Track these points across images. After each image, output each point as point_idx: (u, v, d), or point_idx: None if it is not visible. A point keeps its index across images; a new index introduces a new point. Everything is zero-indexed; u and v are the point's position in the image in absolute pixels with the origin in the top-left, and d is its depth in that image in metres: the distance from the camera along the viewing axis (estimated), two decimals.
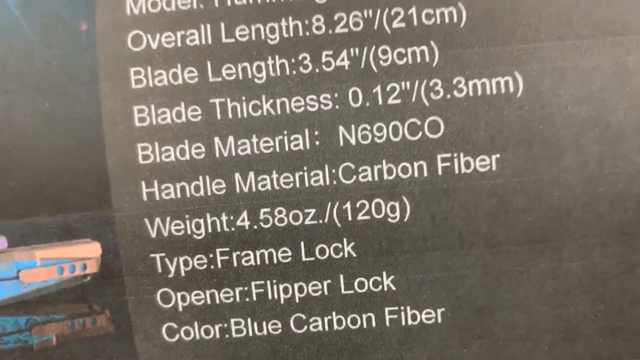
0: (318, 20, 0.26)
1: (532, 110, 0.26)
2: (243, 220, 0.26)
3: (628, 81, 0.26)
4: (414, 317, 0.27)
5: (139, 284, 0.27)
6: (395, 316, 0.27)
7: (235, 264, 0.26)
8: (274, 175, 0.26)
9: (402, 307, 0.27)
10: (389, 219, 0.26)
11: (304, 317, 0.27)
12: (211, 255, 0.26)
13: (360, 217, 0.26)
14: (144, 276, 0.27)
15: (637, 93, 0.26)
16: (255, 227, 0.26)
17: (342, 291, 0.27)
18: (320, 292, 0.27)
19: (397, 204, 0.26)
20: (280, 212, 0.26)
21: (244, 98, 0.26)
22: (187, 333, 0.27)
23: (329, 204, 0.26)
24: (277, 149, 0.26)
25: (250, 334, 0.27)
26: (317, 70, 0.26)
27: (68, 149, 0.26)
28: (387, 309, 0.27)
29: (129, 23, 0.26)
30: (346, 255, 0.26)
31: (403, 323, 0.27)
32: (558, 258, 0.26)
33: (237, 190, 0.26)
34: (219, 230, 0.26)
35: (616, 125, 0.26)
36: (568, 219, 0.26)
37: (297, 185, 0.26)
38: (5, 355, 0.27)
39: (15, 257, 0.26)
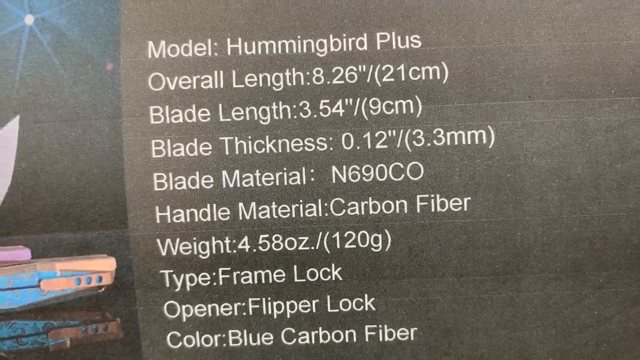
0: (318, 72, 0.27)
1: (501, 161, 0.27)
2: (244, 244, 0.28)
3: (588, 138, 0.27)
4: (390, 335, 0.28)
5: (148, 296, 0.28)
6: (373, 333, 0.28)
7: (235, 282, 0.28)
8: (273, 206, 0.28)
9: (380, 326, 0.28)
10: (372, 249, 0.28)
11: (293, 330, 0.28)
12: (214, 274, 0.28)
13: (347, 245, 0.28)
14: (153, 289, 0.28)
15: (595, 149, 0.27)
16: (255, 250, 0.28)
17: (329, 309, 0.28)
18: (309, 309, 0.28)
19: (380, 236, 0.28)
20: (277, 238, 0.28)
21: (249, 137, 0.27)
22: (189, 341, 0.28)
23: (320, 233, 0.28)
24: (277, 183, 0.27)
25: (246, 344, 0.28)
26: (315, 116, 0.27)
27: (90, 175, 0.27)
28: (367, 327, 0.28)
29: (150, 65, 0.27)
30: (333, 279, 0.28)
31: (380, 339, 0.28)
32: (517, 289, 0.28)
33: (240, 217, 0.28)
34: (222, 251, 0.28)
35: (575, 178, 0.27)
36: (528, 256, 0.28)
37: (293, 216, 0.28)
38: (23, 355, 0.28)
39: (37, 267, 0.27)
